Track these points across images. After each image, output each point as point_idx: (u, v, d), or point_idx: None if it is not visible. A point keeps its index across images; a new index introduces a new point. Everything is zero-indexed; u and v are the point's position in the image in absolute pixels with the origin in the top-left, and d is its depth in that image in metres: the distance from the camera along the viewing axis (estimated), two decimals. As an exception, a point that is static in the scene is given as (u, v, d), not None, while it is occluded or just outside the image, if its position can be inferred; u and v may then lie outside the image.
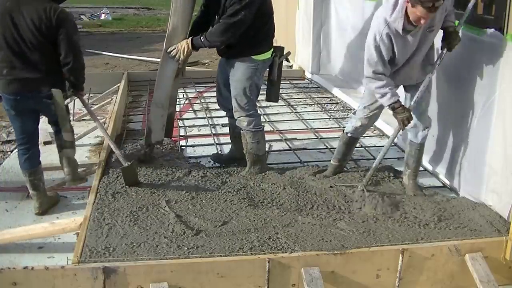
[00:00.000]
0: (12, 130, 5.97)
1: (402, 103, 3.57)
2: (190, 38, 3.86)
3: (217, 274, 2.76)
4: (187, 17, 3.89)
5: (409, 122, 3.56)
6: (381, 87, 3.51)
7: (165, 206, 3.43)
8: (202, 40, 3.79)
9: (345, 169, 4.33)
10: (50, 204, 3.87)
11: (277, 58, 4.01)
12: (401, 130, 3.68)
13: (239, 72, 3.89)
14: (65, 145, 3.83)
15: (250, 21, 3.70)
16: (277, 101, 4.37)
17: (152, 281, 2.70)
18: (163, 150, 4.49)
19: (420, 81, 3.62)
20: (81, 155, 5.01)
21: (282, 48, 4.06)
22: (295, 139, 5.20)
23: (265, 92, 4.25)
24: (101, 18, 17.69)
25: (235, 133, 4.28)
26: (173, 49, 3.88)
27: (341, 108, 6.33)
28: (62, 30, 3.42)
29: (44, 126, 4.42)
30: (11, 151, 5.26)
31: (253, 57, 3.86)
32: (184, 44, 3.85)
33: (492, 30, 3.41)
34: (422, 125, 3.76)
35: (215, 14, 3.85)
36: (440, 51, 3.54)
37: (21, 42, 3.42)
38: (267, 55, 3.94)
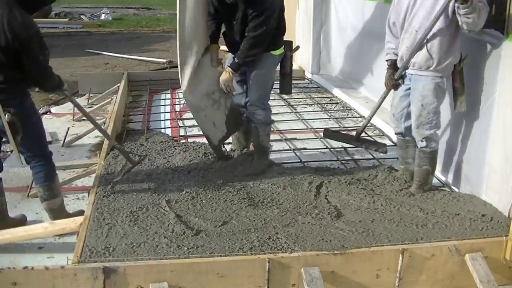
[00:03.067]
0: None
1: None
2: (227, 67, 3.94)
3: (217, 274, 2.76)
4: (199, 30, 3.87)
5: (390, 84, 3.69)
6: (386, 41, 3.73)
7: (165, 206, 3.43)
8: (238, 61, 3.88)
9: (344, 168, 4.34)
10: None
11: (288, 52, 4.14)
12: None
13: (259, 68, 3.97)
14: (43, 195, 3.48)
15: (275, 26, 3.83)
16: (290, 93, 4.51)
17: (152, 281, 2.70)
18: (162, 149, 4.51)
19: (414, 67, 3.55)
20: (81, 155, 5.02)
21: (291, 42, 4.20)
22: (295, 139, 5.20)
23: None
24: (101, 18, 17.69)
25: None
26: (222, 85, 3.96)
27: (341, 108, 6.33)
28: (26, 51, 3.15)
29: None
30: (11, 151, 5.26)
31: (271, 52, 3.97)
32: (226, 76, 3.93)
33: (492, 30, 3.41)
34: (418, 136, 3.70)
35: (228, 19, 3.92)
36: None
37: None
38: (281, 50, 4.07)
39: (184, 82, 3.94)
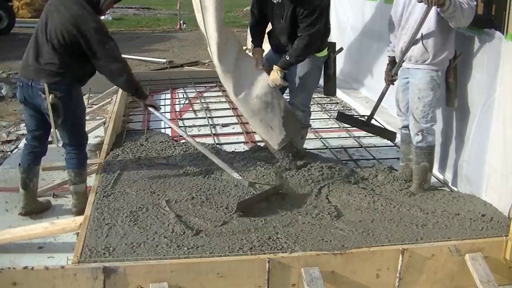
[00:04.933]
0: (12, 130, 6.00)
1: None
2: (277, 66, 3.90)
3: (217, 274, 2.76)
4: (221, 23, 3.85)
5: (387, 80, 3.83)
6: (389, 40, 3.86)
7: (165, 206, 3.43)
8: (289, 59, 3.87)
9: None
10: (37, 209, 3.82)
11: (332, 53, 4.15)
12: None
13: (304, 70, 4.00)
14: (73, 179, 3.76)
15: (324, 25, 3.86)
16: (335, 95, 4.49)
17: (152, 281, 2.70)
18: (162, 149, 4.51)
19: (410, 61, 3.63)
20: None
21: (334, 44, 4.21)
22: (295, 139, 5.20)
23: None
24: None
25: None
26: (272, 84, 3.94)
27: (341, 108, 6.33)
28: (90, 42, 3.47)
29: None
30: (11, 151, 5.26)
31: (316, 54, 3.99)
32: (275, 75, 3.90)
33: (492, 30, 3.41)
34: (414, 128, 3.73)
35: (275, 19, 3.94)
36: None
37: (45, 35, 3.47)
38: (325, 52, 4.08)
39: (230, 89, 3.95)
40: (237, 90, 3.94)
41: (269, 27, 4.14)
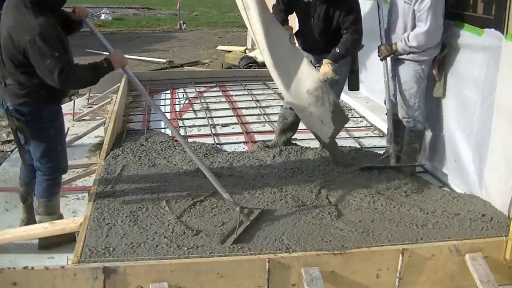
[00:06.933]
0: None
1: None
2: (327, 60, 3.96)
3: (217, 274, 2.76)
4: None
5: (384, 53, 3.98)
6: None
7: (165, 206, 3.43)
8: (339, 51, 3.98)
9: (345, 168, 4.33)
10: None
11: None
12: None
13: (340, 67, 4.11)
14: (37, 208, 3.39)
15: None
16: (358, 89, 4.62)
17: (152, 281, 2.70)
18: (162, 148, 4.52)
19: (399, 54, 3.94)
20: (81, 155, 5.03)
21: None
22: (295, 139, 5.19)
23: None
24: (101, 18, 17.70)
25: (285, 124, 4.59)
26: (324, 78, 3.97)
27: (343, 108, 6.31)
28: (29, 56, 2.97)
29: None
30: (11, 151, 5.26)
31: None
32: (327, 68, 3.94)
33: (492, 30, 3.41)
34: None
35: (306, 17, 4.07)
36: None
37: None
38: None
39: (279, 83, 3.98)
40: (287, 84, 3.96)
41: (297, 26, 4.27)
